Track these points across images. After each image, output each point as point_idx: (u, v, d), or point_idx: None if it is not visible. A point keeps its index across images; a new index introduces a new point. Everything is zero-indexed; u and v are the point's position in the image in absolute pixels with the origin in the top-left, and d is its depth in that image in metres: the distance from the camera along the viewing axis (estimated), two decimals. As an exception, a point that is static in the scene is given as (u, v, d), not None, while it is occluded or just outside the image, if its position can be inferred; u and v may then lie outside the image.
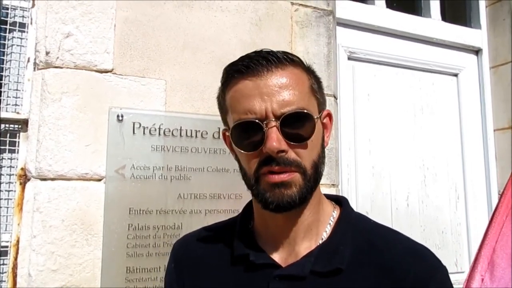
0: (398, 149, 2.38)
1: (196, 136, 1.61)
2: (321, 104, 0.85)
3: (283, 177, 0.76)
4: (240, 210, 0.96)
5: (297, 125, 0.76)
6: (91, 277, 1.42)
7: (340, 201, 0.92)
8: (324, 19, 1.94)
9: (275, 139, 0.74)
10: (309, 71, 0.85)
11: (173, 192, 1.55)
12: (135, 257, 1.47)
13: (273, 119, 0.75)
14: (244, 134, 0.78)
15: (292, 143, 0.76)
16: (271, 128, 0.74)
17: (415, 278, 0.77)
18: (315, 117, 0.78)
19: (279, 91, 0.76)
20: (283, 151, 0.75)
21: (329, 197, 0.93)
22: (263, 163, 0.77)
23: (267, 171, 0.76)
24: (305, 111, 0.76)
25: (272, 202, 0.77)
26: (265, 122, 0.75)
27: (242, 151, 0.80)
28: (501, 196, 1.56)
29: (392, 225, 2.28)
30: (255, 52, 0.80)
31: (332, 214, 0.88)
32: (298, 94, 0.77)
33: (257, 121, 0.75)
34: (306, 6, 1.91)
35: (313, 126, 0.77)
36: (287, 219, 0.82)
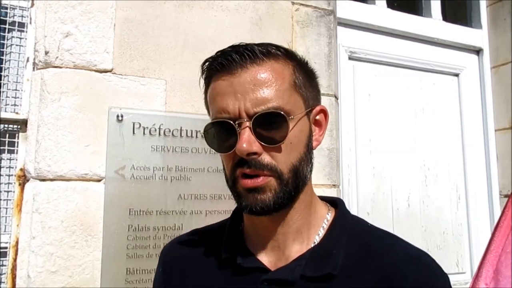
0: (399, 150, 2.37)
1: (196, 136, 1.60)
2: (309, 100, 0.78)
3: (257, 181, 0.72)
4: None
5: (271, 126, 0.71)
6: (90, 279, 1.41)
7: (335, 203, 0.88)
8: (324, 18, 1.93)
9: (245, 141, 0.70)
10: (297, 65, 0.78)
11: (173, 192, 1.54)
12: (135, 258, 1.46)
13: (246, 119, 0.71)
14: (218, 134, 0.75)
15: (266, 145, 0.71)
16: (244, 128, 0.70)
17: (415, 285, 0.73)
18: (291, 117, 0.72)
19: (253, 89, 0.71)
20: (254, 153, 0.71)
21: (324, 198, 0.89)
22: (237, 165, 0.73)
23: (241, 174, 0.73)
24: (279, 111, 0.71)
25: (246, 207, 0.74)
26: (237, 122, 0.71)
27: (216, 152, 0.77)
28: (507, 202, 1.52)
29: (393, 225, 2.27)
30: (232, 46, 0.75)
31: (326, 216, 0.84)
32: (275, 92, 0.72)
33: (229, 121, 0.71)
34: (307, 5, 1.90)
35: (288, 128, 0.71)
36: (274, 221, 0.79)
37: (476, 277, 1.41)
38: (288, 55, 0.78)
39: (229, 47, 0.76)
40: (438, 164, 2.46)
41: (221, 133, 0.74)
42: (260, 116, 0.70)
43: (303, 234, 0.80)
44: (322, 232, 0.81)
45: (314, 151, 0.82)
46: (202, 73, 0.79)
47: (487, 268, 1.39)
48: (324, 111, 0.82)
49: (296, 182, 0.75)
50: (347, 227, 0.82)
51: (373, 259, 0.77)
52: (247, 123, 0.71)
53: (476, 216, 2.51)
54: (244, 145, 0.70)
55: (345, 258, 0.76)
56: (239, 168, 0.73)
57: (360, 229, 0.84)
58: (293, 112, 0.73)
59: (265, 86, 0.71)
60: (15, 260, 1.42)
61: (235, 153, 0.72)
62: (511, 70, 2.52)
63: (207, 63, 0.77)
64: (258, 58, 0.73)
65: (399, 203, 2.33)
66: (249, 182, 0.72)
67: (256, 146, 0.71)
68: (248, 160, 0.71)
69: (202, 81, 0.80)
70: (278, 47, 0.77)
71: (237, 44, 0.76)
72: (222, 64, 0.73)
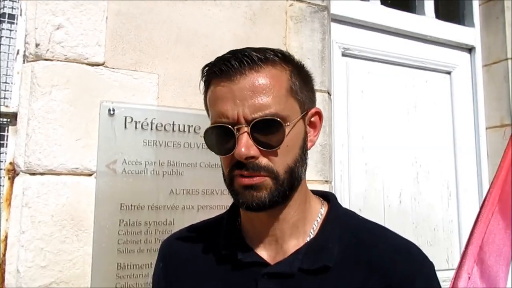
0: (391, 146, 2.38)
1: (188, 131, 1.59)
2: (305, 104, 0.82)
3: (253, 180, 0.76)
4: None
5: (268, 132, 0.74)
6: (81, 274, 1.39)
7: (328, 197, 0.92)
8: (318, 14, 1.93)
9: (244, 145, 0.73)
10: (294, 70, 0.81)
11: (165, 187, 1.53)
12: (126, 253, 1.45)
13: (244, 124, 0.74)
14: (218, 137, 0.78)
15: (263, 149, 0.75)
16: (242, 134, 0.74)
17: (402, 275, 0.78)
18: (287, 124, 0.76)
19: (251, 95, 0.74)
20: (252, 157, 0.74)
21: (317, 193, 0.93)
22: (235, 167, 0.77)
23: (238, 174, 0.77)
24: (276, 118, 0.74)
25: (242, 203, 0.78)
26: (236, 127, 0.74)
27: (215, 154, 0.80)
28: (487, 194, 1.59)
29: (384, 222, 2.28)
30: (231, 52, 0.79)
31: (320, 211, 0.88)
32: (272, 98, 0.75)
33: (228, 126, 0.75)
34: (301, 1, 1.89)
35: (284, 133, 0.75)
36: (271, 217, 0.82)
37: (459, 268, 1.48)
38: (285, 60, 0.80)
39: (228, 53, 0.79)
40: (429, 161, 2.48)
41: (220, 136, 0.77)
42: (258, 122, 0.74)
43: (299, 228, 0.84)
44: (316, 226, 0.85)
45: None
46: (202, 77, 0.82)
47: (468, 259, 1.47)
48: (318, 113, 0.86)
49: (291, 182, 0.79)
50: (339, 221, 0.86)
51: (364, 251, 0.81)
52: (246, 128, 0.74)
53: (467, 213, 2.52)
54: (243, 149, 0.73)
55: (339, 250, 0.80)
56: (237, 170, 0.77)
57: (351, 222, 0.88)
58: (289, 118, 0.77)
59: (263, 92, 0.75)
60: (4, 255, 1.40)
61: (233, 156, 0.76)
62: (503, 69, 2.54)
63: (206, 68, 0.81)
64: (256, 65, 0.76)
65: (390, 200, 2.34)
66: (245, 180, 0.76)
67: (253, 150, 0.74)
68: (246, 163, 0.75)
69: (203, 84, 0.84)
70: (275, 52, 0.79)
71: (236, 50, 0.79)
72: (221, 70, 0.76)
